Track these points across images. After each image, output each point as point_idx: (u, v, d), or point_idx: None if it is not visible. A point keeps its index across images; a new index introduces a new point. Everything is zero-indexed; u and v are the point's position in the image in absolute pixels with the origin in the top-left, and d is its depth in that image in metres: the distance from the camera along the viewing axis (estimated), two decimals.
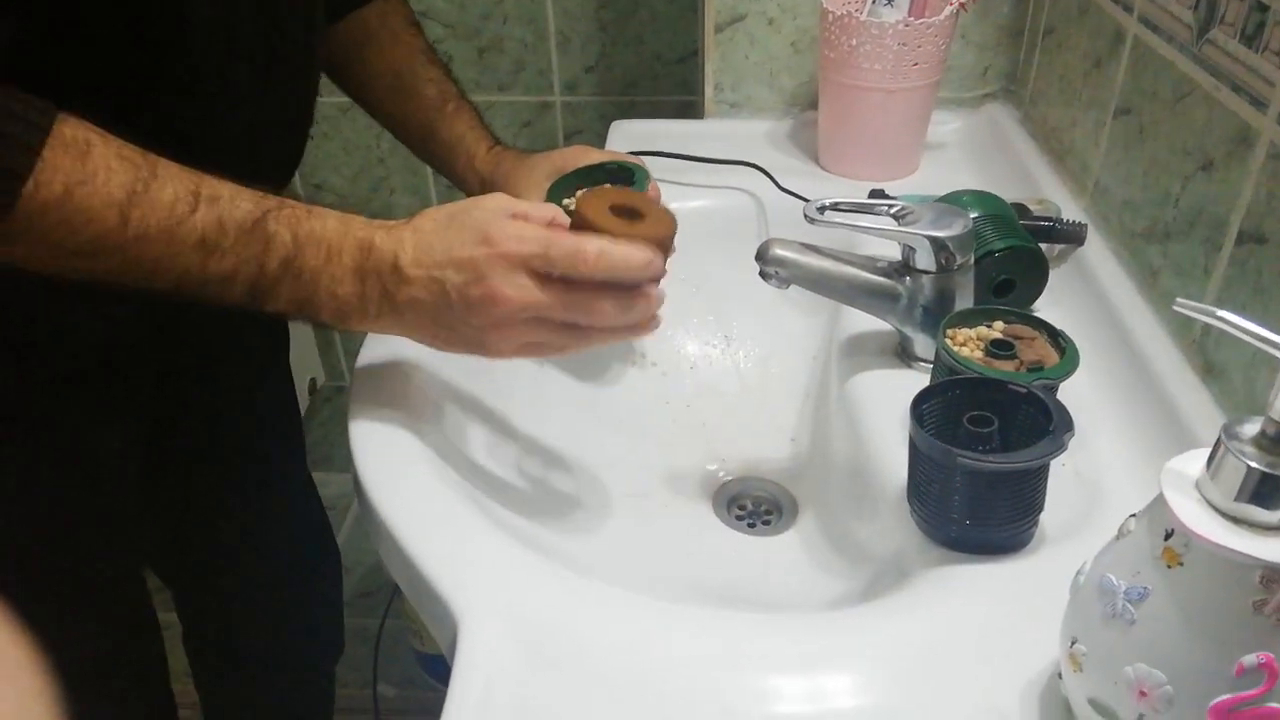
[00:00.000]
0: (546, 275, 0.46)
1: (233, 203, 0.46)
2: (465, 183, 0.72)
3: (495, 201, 0.49)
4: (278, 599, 0.86)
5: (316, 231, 0.48)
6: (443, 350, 0.52)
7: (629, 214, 0.49)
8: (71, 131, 0.43)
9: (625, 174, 0.66)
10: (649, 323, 0.49)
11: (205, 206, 0.45)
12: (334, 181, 1.21)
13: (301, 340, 1.31)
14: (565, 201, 0.64)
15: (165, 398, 0.68)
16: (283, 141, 0.63)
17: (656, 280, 0.49)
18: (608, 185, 0.64)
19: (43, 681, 0.16)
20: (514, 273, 0.46)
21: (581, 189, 0.64)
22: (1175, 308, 0.34)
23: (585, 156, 0.68)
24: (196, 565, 0.83)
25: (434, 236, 0.48)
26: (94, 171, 0.43)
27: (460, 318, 0.48)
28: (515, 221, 0.48)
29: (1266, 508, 0.31)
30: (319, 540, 0.90)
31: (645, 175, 0.65)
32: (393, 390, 0.57)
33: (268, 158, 0.62)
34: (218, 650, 0.89)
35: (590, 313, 0.47)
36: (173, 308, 0.48)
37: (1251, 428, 0.32)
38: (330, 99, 1.16)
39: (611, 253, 0.46)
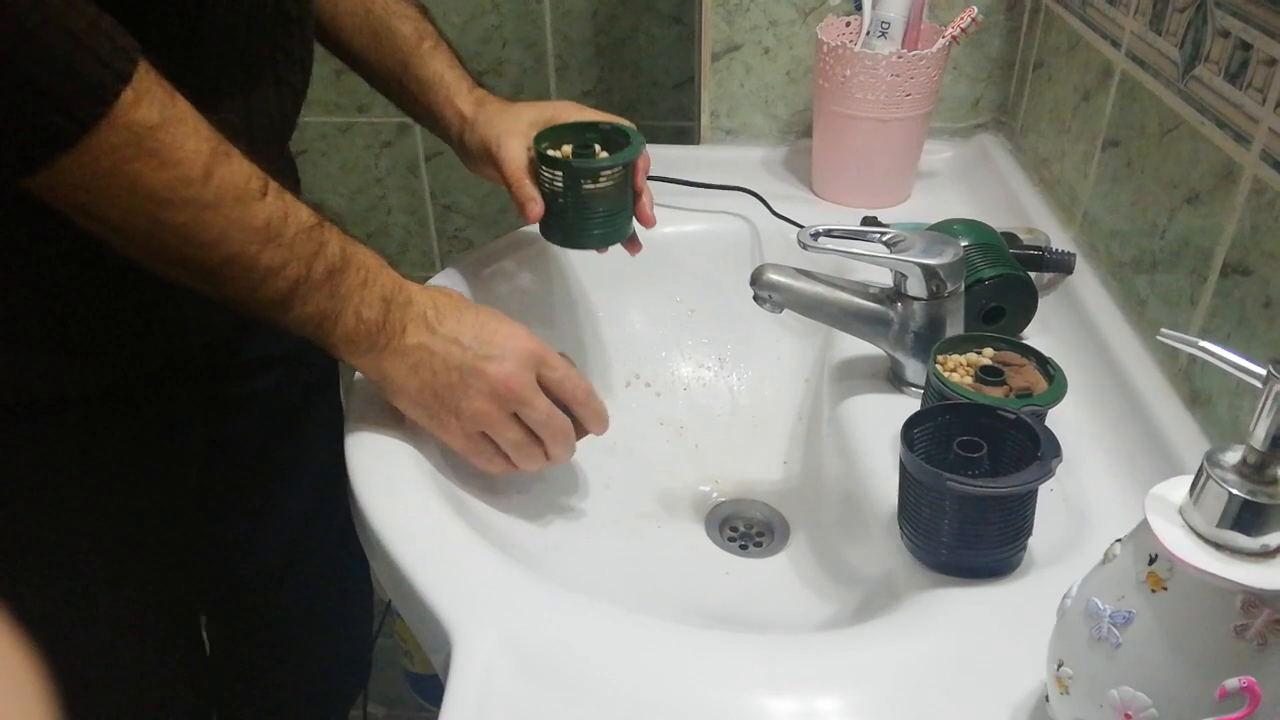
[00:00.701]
0: (546, 386, 0.54)
1: (296, 203, 0.48)
2: (444, 122, 0.68)
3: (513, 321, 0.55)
4: (309, 627, 0.85)
5: (359, 254, 0.51)
6: (405, 410, 0.55)
7: None
8: (157, 74, 0.43)
9: (620, 136, 0.64)
10: (554, 464, 0.58)
11: (274, 195, 0.46)
12: (332, 201, 1.22)
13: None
14: (545, 146, 0.62)
15: (218, 421, 0.67)
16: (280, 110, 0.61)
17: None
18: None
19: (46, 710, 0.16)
20: (529, 369, 0.54)
21: (569, 145, 0.63)
22: (1159, 338, 0.35)
23: (577, 113, 0.66)
24: (231, 590, 0.80)
25: (468, 311, 0.54)
26: (184, 115, 0.43)
27: (459, 385, 0.52)
28: (536, 338, 0.55)
29: (1248, 534, 0.32)
30: (354, 570, 0.89)
31: (640, 142, 0.63)
32: (390, 406, 0.58)
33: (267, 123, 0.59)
34: (243, 676, 0.88)
35: (555, 435, 0.55)
36: (243, 328, 0.49)
37: (1233, 455, 0.33)
38: (329, 119, 1.18)
39: (597, 399, 0.57)
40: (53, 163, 0.40)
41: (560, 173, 0.61)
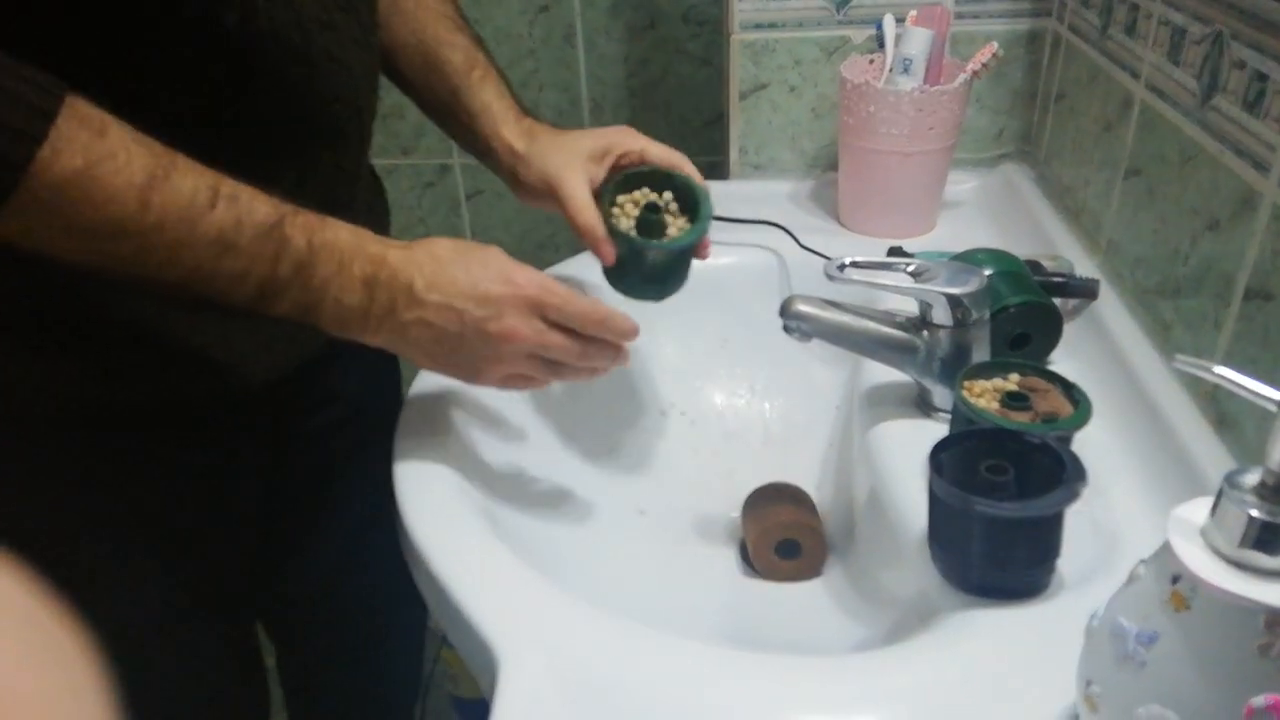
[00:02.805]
0: (554, 321, 0.53)
1: (251, 204, 0.46)
2: (492, 154, 0.67)
3: (500, 256, 0.54)
4: (365, 637, 0.85)
5: (330, 240, 0.49)
6: (428, 369, 0.55)
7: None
8: (85, 109, 0.42)
9: (690, 194, 0.63)
10: (612, 366, 0.57)
11: (224, 204, 0.45)
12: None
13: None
14: (613, 204, 0.61)
15: (280, 452, 0.68)
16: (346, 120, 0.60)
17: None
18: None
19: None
20: (530, 315, 0.53)
21: (639, 192, 0.62)
22: (1175, 364, 0.36)
23: (630, 140, 0.64)
24: (289, 599, 0.81)
25: (454, 268, 0.52)
26: (113, 150, 0.42)
27: (467, 347, 0.53)
28: (528, 269, 0.53)
29: (1269, 554, 0.33)
30: (405, 591, 0.89)
31: (709, 210, 0.61)
32: (437, 431, 0.60)
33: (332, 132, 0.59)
34: (298, 689, 0.89)
35: (582, 361, 0.55)
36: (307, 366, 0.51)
37: (1253, 477, 0.34)
38: (374, 161, 1.21)
39: (614, 318, 0.55)
40: None
41: (627, 245, 0.61)
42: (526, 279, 0.53)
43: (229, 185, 0.46)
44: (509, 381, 0.55)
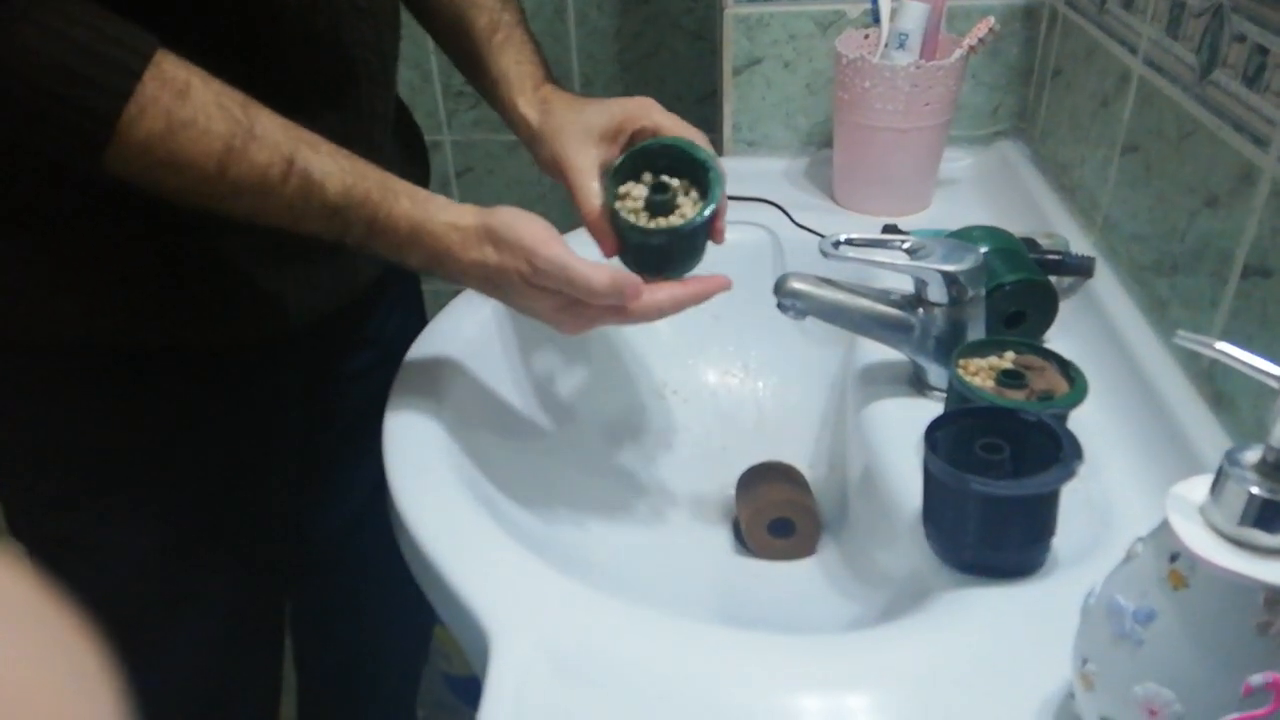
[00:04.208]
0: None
1: (322, 183, 0.49)
2: (514, 126, 0.66)
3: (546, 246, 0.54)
4: (379, 591, 0.84)
5: (389, 235, 0.52)
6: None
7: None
8: (172, 68, 0.44)
9: (700, 169, 0.58)
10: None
11: (296, 180, 0.48)
12: None
13: None
14: (618, 190, 0.58)
15: (319, 394, 0.70)
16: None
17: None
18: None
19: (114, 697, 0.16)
20: (543, 296, 0.54)
21: (649, 174, 0.59)
22: (1176, 340, 0.36)
23: (647, 114, 0.61)
24: (311, 545, 0.80)
25: (469, 251, 0.53)
26: (194, 117, 0.45)
27: (505, 298, 0.56)
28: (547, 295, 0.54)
29: (1269, 531, 0.32)
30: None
31: (720, 190, 0.58)
32: (429, 402, 0.59)
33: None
34: (315, 626, 0.89)
35: (600, 322, 0.56)
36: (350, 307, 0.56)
37: (1253, 455, 0.34)
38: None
39: (597, 279, 0.53)
40: (96, 164, 0.45)
41: (630, 231, 0.58)
42: (525, 256, 0.53)
43: (303, 158, 0.48)
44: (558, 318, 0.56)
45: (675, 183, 0.59)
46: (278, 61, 0.53)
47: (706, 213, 0.57)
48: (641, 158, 0.59)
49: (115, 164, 0.45)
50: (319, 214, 0.50)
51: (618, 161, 0.60)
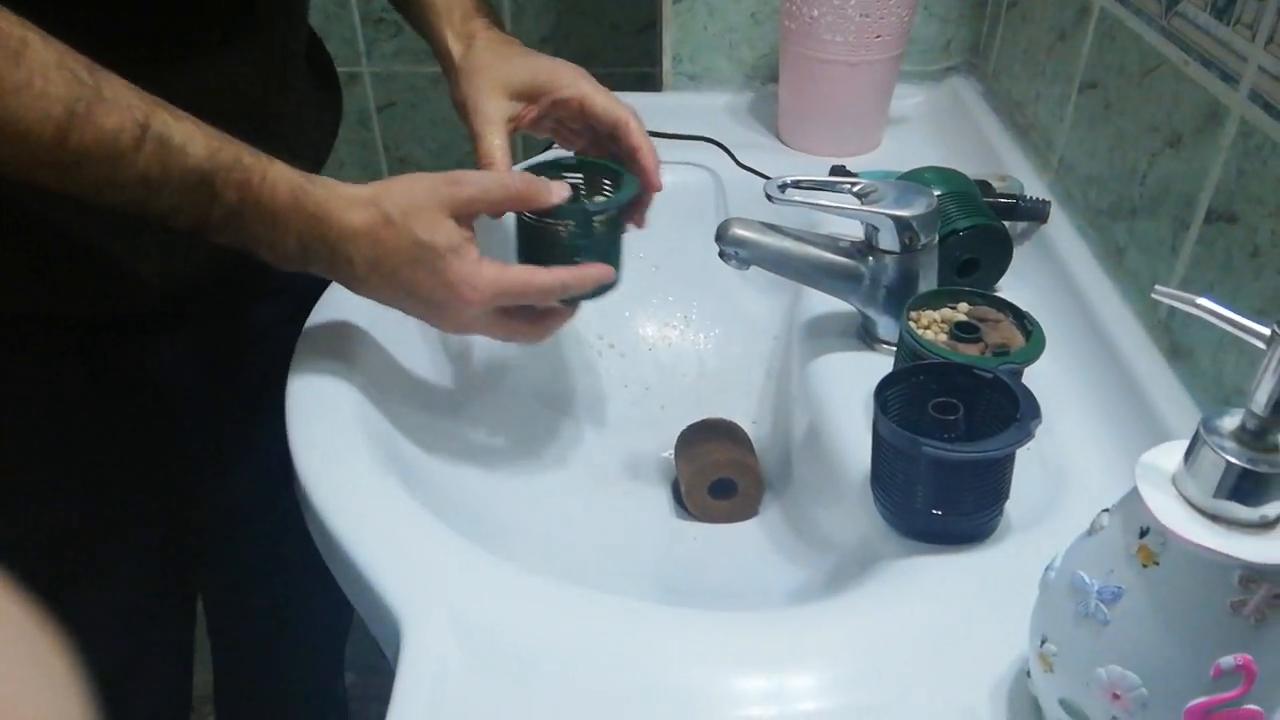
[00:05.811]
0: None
1: (183, 148, 0.43)
2: (439, 59, 0.61)
3: (447, 236, 0.49)
4: (297, 558, 0.82)
5: (265, 202, 0.46)
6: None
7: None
8: (6, 25, 0.39)
9: (613, 175, 0.56)
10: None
11: (152, 145, 0.42)
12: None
13: None
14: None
15: (219, 355, 0.65)
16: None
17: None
18: None
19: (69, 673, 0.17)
20: (485, 317, 0.51)
21: (565, 176, 0.54)
22: (1154, 295, 0.33)
23: (573, 84, 0.57)
24: (223, 510, 0.77)
25: (396, 260, 0.49)
26: (29, 79, 0.39)
27: (426, 317, 0.52)
28: (484, 271, 0.49)
29: (1247, 504, 0.30)
30: None
31: (631, 185, 0.55)
32: (337, 365, 0.54)
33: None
34: (226, 609, 0.85)
35: (541, 333, 0.54)
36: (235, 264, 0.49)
37: (1231, 421, 0.31)
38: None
39: (577, 281, 0.52)
40: None
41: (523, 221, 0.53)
42: (478, 293, 0.49)
43: (160, 122, 0.43)
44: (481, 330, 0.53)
45: (591, 189, 0.56)
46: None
47: (612, 200, 0.54)
48: (551, 167, 0.55)
49: None
50: (179, 184, 0.44)
51: (530, 163, 0.56)
